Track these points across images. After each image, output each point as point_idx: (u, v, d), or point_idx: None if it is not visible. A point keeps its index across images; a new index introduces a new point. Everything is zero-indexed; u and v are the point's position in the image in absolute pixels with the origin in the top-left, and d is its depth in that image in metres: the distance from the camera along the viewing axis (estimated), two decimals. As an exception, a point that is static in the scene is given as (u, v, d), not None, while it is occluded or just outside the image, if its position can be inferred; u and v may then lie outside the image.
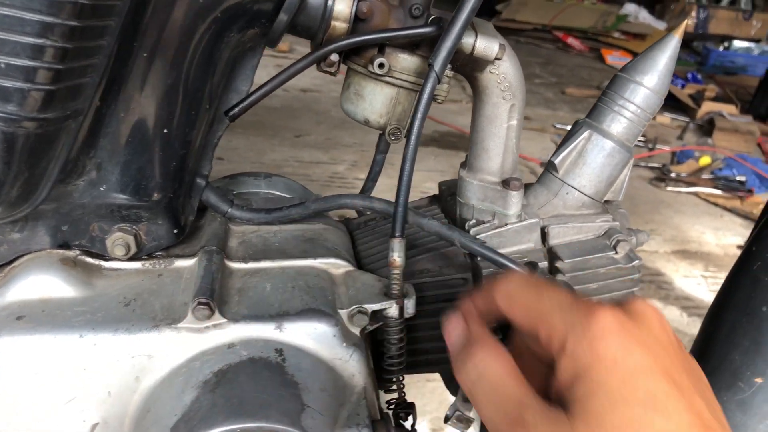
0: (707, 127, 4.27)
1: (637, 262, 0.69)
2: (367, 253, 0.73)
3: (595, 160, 0.68)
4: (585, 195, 0.69)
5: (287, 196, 0.82)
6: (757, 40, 7.02)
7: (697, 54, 6.80)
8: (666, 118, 4.47)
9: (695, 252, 2.71)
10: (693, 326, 2.16)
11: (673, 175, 3.37)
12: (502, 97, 0.65)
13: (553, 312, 0.43)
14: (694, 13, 7.07)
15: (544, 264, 0.67)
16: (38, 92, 0.43)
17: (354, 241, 0.76)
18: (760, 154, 3.99)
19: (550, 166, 0.71)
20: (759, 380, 0.78)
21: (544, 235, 0.69)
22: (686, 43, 7.02)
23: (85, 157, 0.54)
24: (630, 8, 6.98)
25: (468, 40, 0.60)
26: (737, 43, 6.93)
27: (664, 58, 0.67)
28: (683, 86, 5.08)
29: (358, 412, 0.55)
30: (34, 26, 0.40)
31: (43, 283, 0.56)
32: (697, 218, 3.03)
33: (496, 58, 0.62)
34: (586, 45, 6.57)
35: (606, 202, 0.72)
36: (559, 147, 0.70)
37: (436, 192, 0.82)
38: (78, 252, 0.59)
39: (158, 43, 0.53)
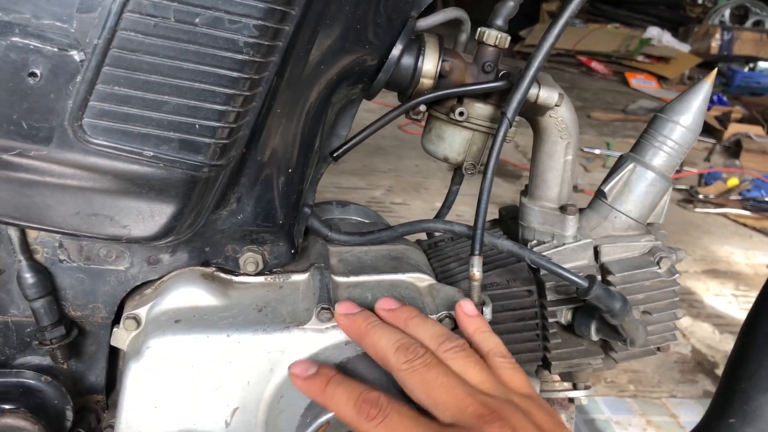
0: (734, 149, 4.34)
1: (677, 275, 0.80)
2: (441, 269, 0.85)
3: (638, 189, 0.80)
4: (631, 218, 0.81)
5: (364, 220, 0.95)
6: (782, 61, 7.06)
7: (722, 76, 6.86)
8: (692, 140, 4.54)
9: (725, 271, 2.78)
10: (725, 342, 2.23)
11: (701, 196, 3.45)
12: (560, 137, 0.77)
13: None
14: (717, 35, 7.14)
15: (598, 278, 0.78)
16: (217, 145, 0.56)
17: (428, 258, 0.88)
18: (788, 175, 4.04)
19: (599, 194, 0.82)
20: None
21: (596, 253, 0.81)
22: (710, 65, 7.08)
23: (230, 192, 0.67)
24: (653, 32, 7.08)
25: (533, 91, 0.73)
26: (762, 64, 6.98)
27: (698, 101, 0.79)
28: (709, 108, 5.15)
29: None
30: (222, 96, 0.54)
31: (190, 294, 0.69)
32: (726, 239, 3.10)
33: (556, 105, 0.74)
34: (609, 69, 6.67)
35: (649, 224, 0.84)
36: (607, 177, 0.82)
37: (495, 216, 0.95)
38: (214, 269, 0.72)
39: (288, 100, 0.66)
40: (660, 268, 0.79)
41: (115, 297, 0.72)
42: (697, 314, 2.41)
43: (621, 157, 0.83)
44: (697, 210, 3.36)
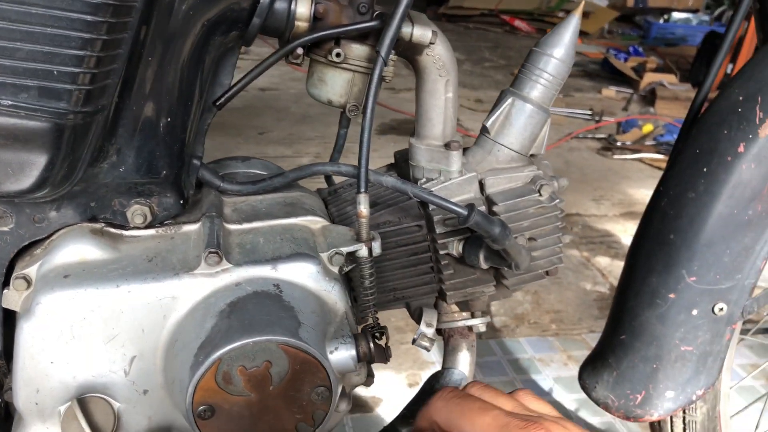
0: (650, 97, 4.51)
1: (558, 201, 0.85)
2: (338, 214, 0.87)
3: (518, 121, 0.84)
4: (513, 151, 0.84)
5: (264, 173, 0.97)
6: (695, 11, 7.32)
7: (639, 28, 7.07)
8: (611, 91, 4.70)
9: (641, 213, 2.91)
10: (641, 278, 2.34)
11: (618, 144, 3.58)
12: (439, 75, 0.80)
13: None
14: (633, -11, 7.32)
15: (482, 207, 0.82)
16: (80, 92, 0.56)
17: (326, 206, 0.90)
18: (700, 119, 4.22)
19: (483, 130, 0.86)
20: (672, 296, 0.95)
21: (482, 186, 0.84)
22: (628, 18, 7.29)
23: (108, 143, 0.67)
24: (572, -12, 7.22)
25: (406, 30, 0.75)
26: (676, 15, 7.22)
27: (568, 33, 0.83)
28: (626, 60, 5.32)
29: (342, 329, 0.69)
30: (78, 41, 0.54)
31: (79, 249, 0.69)
32: (643, 182, 3.25)
33: (431, 43, 0.77)
34: (532, 26, 6.79)
35: (532, 155, 0.88)
36: (490, 113, 0.85)
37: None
38: (103, 224, 0.72)
39: (159, 48, 0.66)
40: (541, 195, 0.84)
41: (2, 259, 0.71)
42: (615, 254, 2.52)
43: (501, 92, 0.86)
44: (616, 157, 3.49)
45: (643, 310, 0.97)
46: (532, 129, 0.84)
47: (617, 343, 1.00)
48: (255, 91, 4.10)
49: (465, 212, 0.74)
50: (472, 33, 6.47)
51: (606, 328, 1.05)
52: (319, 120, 3.79)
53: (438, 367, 1.78)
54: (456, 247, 0.83)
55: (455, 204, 0.75)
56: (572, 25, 0.83)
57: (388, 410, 1.60)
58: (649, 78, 4.71)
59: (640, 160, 3.47)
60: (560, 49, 0.83)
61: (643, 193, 3.10)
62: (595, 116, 4.01)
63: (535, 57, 0.84)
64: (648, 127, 3.71)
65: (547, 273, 0.89)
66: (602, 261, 2.44)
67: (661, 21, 7.08)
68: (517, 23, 6.82)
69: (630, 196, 3.06)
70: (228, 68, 0.78)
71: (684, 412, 1.14)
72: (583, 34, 6.52)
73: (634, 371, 0.96)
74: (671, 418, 1.15)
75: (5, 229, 0.70)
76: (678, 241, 0.95)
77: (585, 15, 6.83)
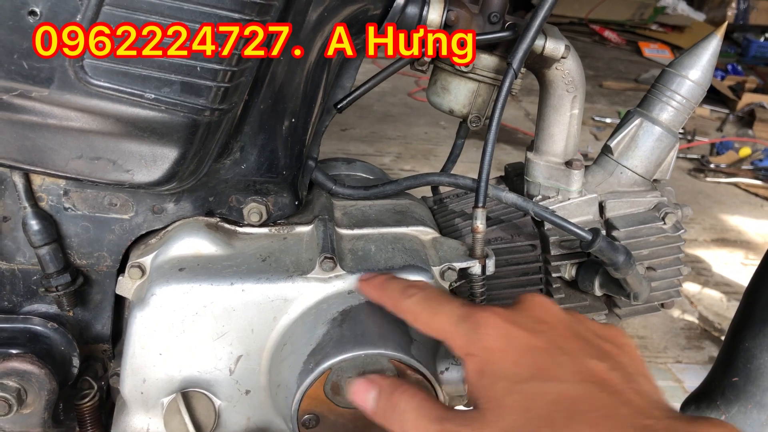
0: (747, 119, 4.29)
1: (682, 231, 0.80)
2: (445, 225, 0.85)
3: (645, 144, 0.79)
4: (637, 174, 0.80)
5: (369, 176, 0.95)
6: (799, 31, 6.92)
7: (737, 45, 6.73)
8: (705, 110, 4.49)
9: (735, 240, 2.77)
10: (732, 310, 2.22)
11: (712, 165, 3.42)
12: (566, 90, 0.77)
13: (449, 326, 0.52)
14: (734, 4, 7.00)
15: (603, 232, 0.78)
16: (219, 89, 0.56)
17: (433, 215, 0.88)
18: (802, 145, 3.99)
19: (605, 149, 0.82)
20: None
21: (601, 209, 0.80)
22: (726, 34, 6.94)
23: (233, 140, 0.67)
24: (668, 0, 6.95)
25: (539, 42, 0.72)
26: (778, 34, 6.84)
27: (707, 54, 0.78)
28: (723, 78, 5.07)
29: (453, 348, 0.67)
30: (224, 38, 0.53)
31: (194, 243, 0.70)
32: (737, 208, 3.08)
33: (562, 57, 0.73)
34: (623, 38, 6.57)
35: (655, 180, 0.83)
36: (614, 133, 0.81)
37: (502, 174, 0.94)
38: (218, 219, 0.73)
39: (290, 48, 0.66)
40: (665, 224, 0.79)
41: (120, 246, 0.72)
42: (705, 282, 2.40)
43: (628, 112, 0.82)
44: (708, 179, 3.34)
45: (762, 353, 0.90)
46: (659, 153, 0.80)
47: (728, 385, 0.94)
48: (339, 87, 4.12)
49: (589, 237, 0.70)
50: (559, 40, 6.31)
51: (715, 367, 0.98)
52: (401, 120, 3.77)
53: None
54: (569, 271, 0.80)
55: (579, 227, 0.71)
56: (712, 46, 0.78)
57: None
58: (747, 98, 4.47)
59: (735, 184, 3.30)
60: (696, 71, 0.78)
61: (737, 220, 2.94)
62: (687, 135, 3.84)
63: (668, 77, 0.79)
64: (745, 151, 3.52)
65: (662, 305, 0.84)
66: (691, 288, 2.33)
67: (762, 39, 6.72)
68: (607, 34, 6.61)
69: (722, 222, 2.91)
70: (351, 71, 0.77)
71: (796, 467, 1.06)
72: (676, 48, 6.27)
73: (746, 417, 0.90)
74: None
75: (125, 217, 0.71)
76: (809, 281, 0.88)
77: (679, 29, 6.57)
